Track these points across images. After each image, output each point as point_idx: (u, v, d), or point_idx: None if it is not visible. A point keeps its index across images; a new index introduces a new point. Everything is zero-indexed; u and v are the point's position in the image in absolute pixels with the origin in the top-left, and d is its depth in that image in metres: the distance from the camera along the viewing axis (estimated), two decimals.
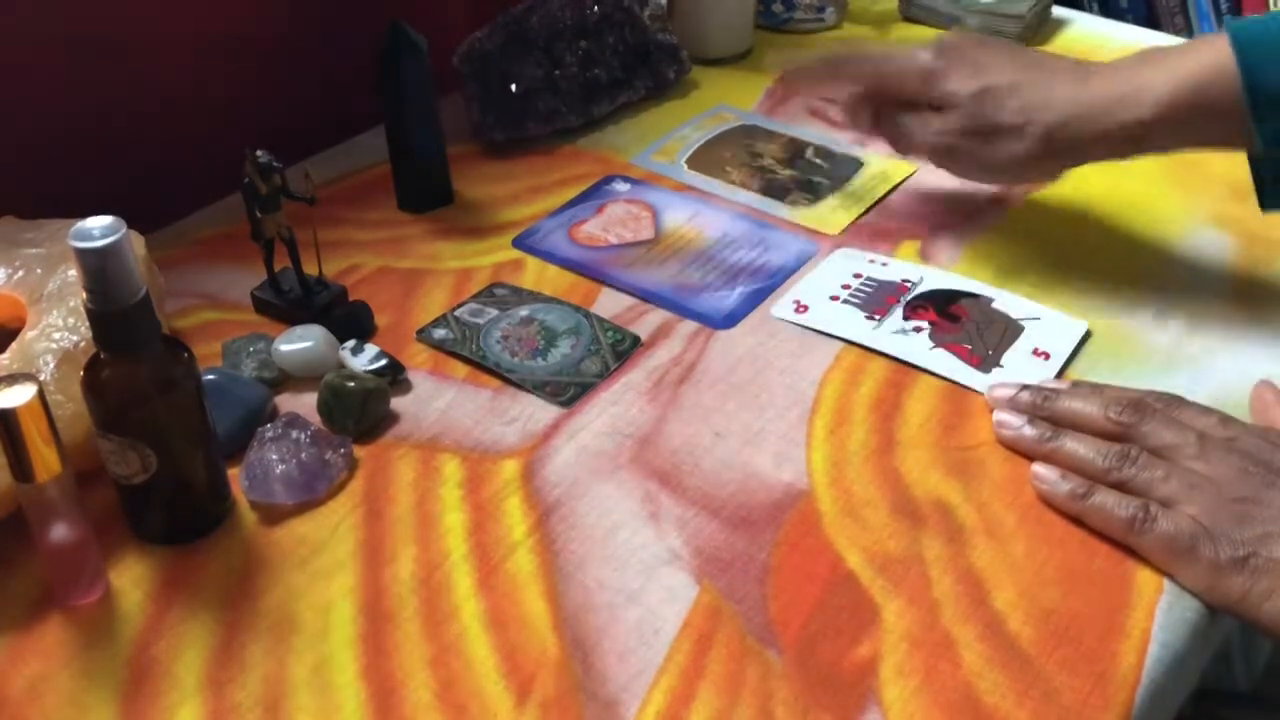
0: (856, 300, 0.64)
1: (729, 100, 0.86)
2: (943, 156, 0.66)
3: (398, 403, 0.58)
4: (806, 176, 0.77)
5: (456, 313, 0.64)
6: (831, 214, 0.73)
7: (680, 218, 0.73)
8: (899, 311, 0.63)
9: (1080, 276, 0.66)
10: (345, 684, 0.45)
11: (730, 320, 0.64)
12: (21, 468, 0.44)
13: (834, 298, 0.65)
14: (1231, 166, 0.75)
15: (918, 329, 0.62)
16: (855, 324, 0.62)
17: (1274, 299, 0.64)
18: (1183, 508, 0.48)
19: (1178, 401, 0.53)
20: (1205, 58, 0.57)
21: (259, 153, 0.58)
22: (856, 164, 0.78)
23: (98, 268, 0.43)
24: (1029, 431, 0.53)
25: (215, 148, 0.67)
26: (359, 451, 0.55)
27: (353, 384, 0.56)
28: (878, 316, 0.63)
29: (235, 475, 0.53)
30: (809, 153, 0.79)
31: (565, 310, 0.64)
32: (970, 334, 0.61)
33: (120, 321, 0.45)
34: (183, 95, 0.73)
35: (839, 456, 0.55)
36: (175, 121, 0.73)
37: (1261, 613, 0.46)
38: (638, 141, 0.81)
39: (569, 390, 0.59)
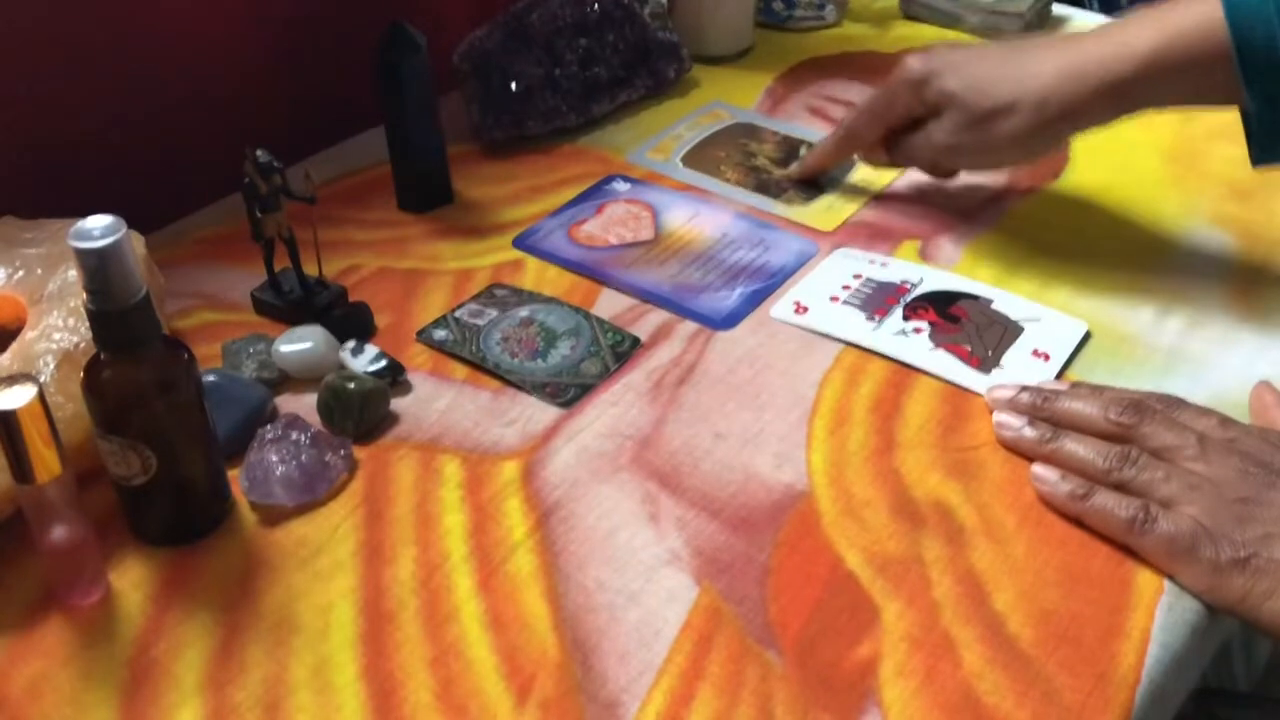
0: (856, 301, 0.64)
1: (729, 99, 0.86)
2: (951, 156, 0.67)
3: (398, 404, 0.58)
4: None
5: (456, 313, 0.64)
6: (826, 211, 0.73)
7: (680, 218, 0.73)
8: (899, 312, 0.63)
9: (1080, 277, 0.66)
10: (345, 684, 0.45)
11: (730, 321, 0.64)
12: (21, 469, 0.44)
13: (834, 298, 0.65)
14: (1231, 167, 0.75)
15: (917, 330, 0.62)
16: (855, 325, 0.62)
17: (1274, 299, 0.64)
18: (1183, 508, 0.48)
19: (1177, 402, 0.53)
20: (1192, 13, 0.58)
21: (259, 153, 0.58)
22: (850, 162, 0.78)
23: (98, 268, 0.43)
24: (1029, 432, 0.53)
25: (215, 148, 0.67)
26: (359, 452, 0.55)
27: (353, 385, 0.56)
28: (877, 317, 0.63)
29: (235, 476, 0.53)
30: (803, 151, 0.79)
31: (565, 311, 0.64)
32: (970, 335, 0.61)
33: (120, 322, 0.45)
34: (183, 95, 0.73)
35: (839, 457, 0.55)
36: (175, 121, 0.73)
37: (1262, 613, 0.46)
38: (638, 140, 0.81)
39: (569, 391, 0.59)
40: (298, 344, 0.59)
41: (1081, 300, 0.64)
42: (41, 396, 0.43)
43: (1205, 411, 0.52)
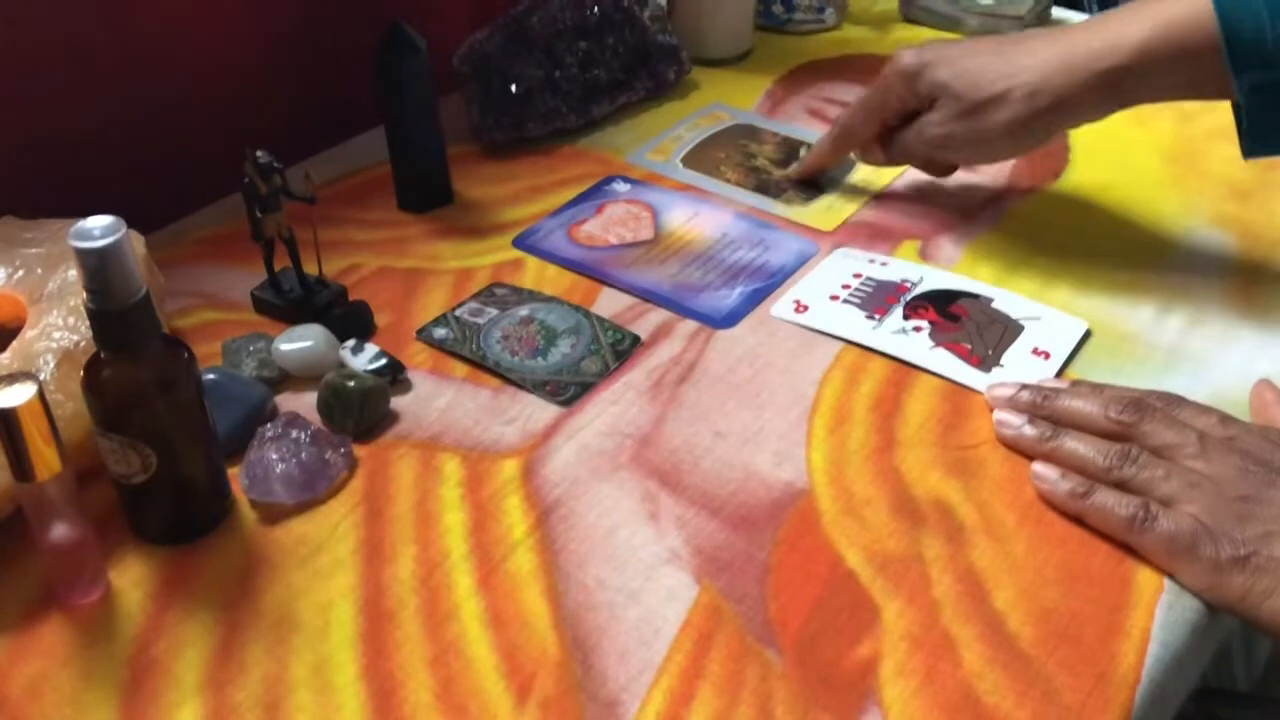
0: (856, 300, 0.64)
1: (728, 101, 0.86)
2: (943, 149, 0.67)
3: (398, 402, 0.58)
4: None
5: (456, 312, 0.64)
6: (826, 211, 0.73)
7: (680, 218, 0.73)
8: (899, 311, 0.63)
9: (1080, 276, 0.66)
10: (345, 684, 0.45)
11: (730, 320, 0.64)
12: (21, 467, 0.44)
13: (834, 297, 0.65)
14: (1231, 167, 0.76)
15: (918, 329, 0.62)
16: (855, 324, 0.62)
17: (1274, 297, 0.64)
18: (1183, 507, 0.48)
19: (1178, 401, 0.53)
20: (1182, 6, 0.58)
21: (259, 153, 0.58)
22: (850, 162, 0.78)
23: (98, 267, 0.43)
24: (1029, 431, 0.53)
25: (215, 148, 0.67)
26: (359, 451, 0.55)
27: (353, 383, 0.56)
28: (878, 316, 0.63)
29: (235, 475, 0.53)
30: (802, 152, 0.79)
31: (565, 310, 0.64)
32: (970, 333, 0.61)
33: (120, 321, 0.45)
34: (183, 95, 0.73)
35: (839, 456, 0.55)
36: (175, 121, 0.73)
37: (1262, 611, 0.46)
38: (637, 142, 0.81)
39: (569, 390, 0.59)
40: (298, 342, 0.59)
41: (1082, 299, 0.64)
42: (41, 395, 0.43)
43: (1205, 410, 0.52)
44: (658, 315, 0.64)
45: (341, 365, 0.59)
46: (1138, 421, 0.51)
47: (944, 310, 0.63)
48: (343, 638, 0.47)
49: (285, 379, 0.59)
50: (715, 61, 0.92)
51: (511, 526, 0.51)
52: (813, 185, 0.76)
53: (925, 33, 0.96)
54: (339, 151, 0.80)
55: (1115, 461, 0.50)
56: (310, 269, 0.64)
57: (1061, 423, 0.53)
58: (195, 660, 0.46)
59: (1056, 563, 0.49)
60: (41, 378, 0.50)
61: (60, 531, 0.46)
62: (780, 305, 0.65)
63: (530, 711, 0.44)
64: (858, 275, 0.66)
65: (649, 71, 0.85)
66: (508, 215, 0.73)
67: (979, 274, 0.67)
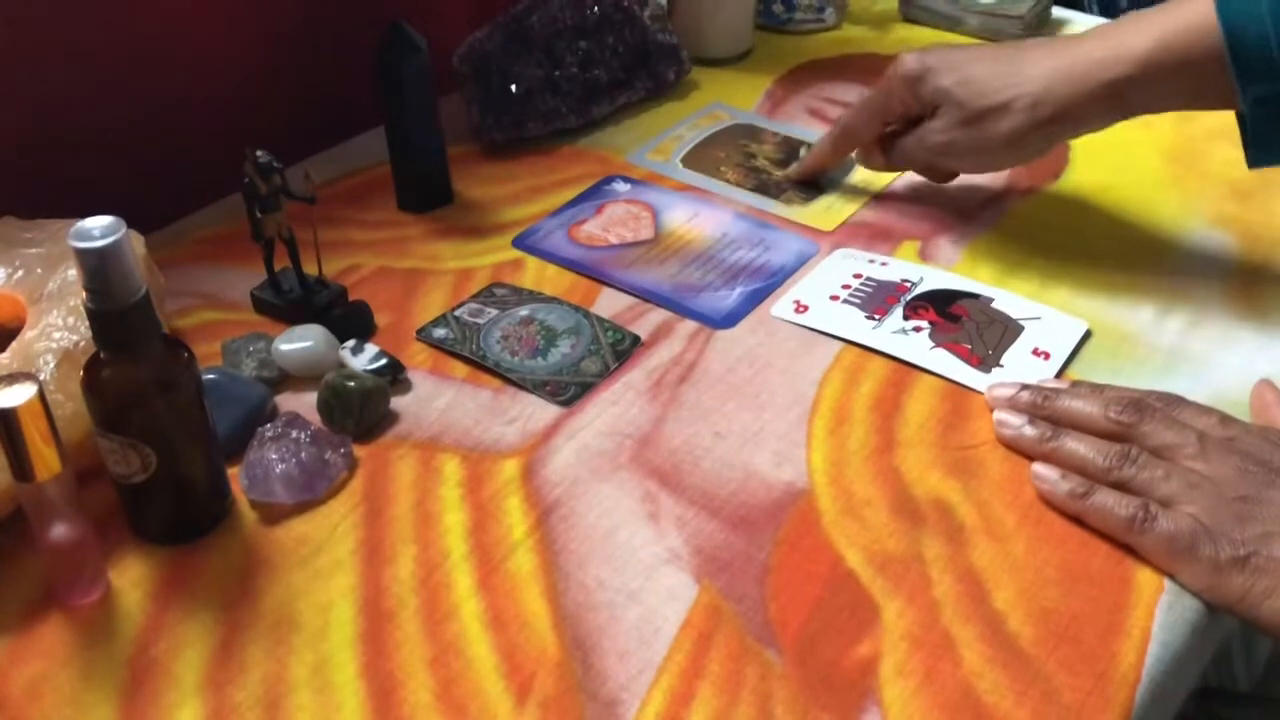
0: (856, 300, 0.64)
1: (728, 101, 0.86)
2: (944, 156, 0.67)
3: (398, 402, 0.58)
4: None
5: (456, 312, 0.64)
6: (826, 211, 0.73)
7: (680, 218, 0.73)
8: (899, 311, 0.63)
9: (1080, 276, 0.66)
10: (345, 683, 0.45)
11: (730, 320, 0.64)
12: (21, 467, 0.44)
13: (834, 297, 0.65)
14: (1231, 167, 0.76)
15: (918, 329, 0.62)
16: (855, 324, 0.62)
17: (1274, 299, 0.64)
18: (1183, 507, 0.48)
19: (1177, 401, 0.53)
20: (1185, 16, 0.58)
21: (259, 153, 0.58)
22: (850, 163, 0.78)
23: (98, 267, 0.43)
24: (1029, 431, 0.53)
25: (215, 148, 0.67)
26: (359, 451, 0.55)
27: (353, 383, 0.56)
28: (878, 316, 0.63)
29: (235, 475, 0.53)
30: (803, 151, 0.79)
31: (565, 310, 0.64)
32: (970, 334, 0.61)
33: (120, 321, 0.45)
34: (183, 95, 0.73)
35: (839, 456, 0.55)
36: (175, 121, 0.73)
37: (1262, 611, 0.46)
38: (637, 142, 0.81)
39: (569, 390, 0.59)
40: (298, 343, 0.59)
41: (1082, 299, 0.64)
42: (41, 395, 0.43)
43: (1205, 410, 0.52)
44: (658, 315, 0.64)
45: (341, 365, 0.59)
46: (1137, 422, 0.51)
47: (944, 310, 0.63)
48: (342, 638, 0.47)
49: (285, 379, 0.59)
50: (715, 61, 0.92)
51: (511, 527, 0.51)
52: (813, 185, 0.76)
53: (925, 32, 0.96)
54: (339, 151, 0.80)
55: (1115, 462, 0.50)
56: (310, 269, 0.64)
57: (1061, 423, 0.53)
58: (195, 660, 0.46)
59: (1056, 563, 0.49)
60: (41, 378, 0.50)
61: (60, 531, 0.46)
62: (780, 305, 0.65)
63: (530, 711, 0.44)
64: (858, 275, 0.66)
65: (649, 71, 0.85)
66: (508, 215, 0.73)
67: (979, 274, 0.67)
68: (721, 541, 0.51)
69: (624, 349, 0.62)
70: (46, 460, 0.44)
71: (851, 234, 0.71)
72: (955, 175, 0.73)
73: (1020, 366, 0.59)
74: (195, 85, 0.73)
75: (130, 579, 0.49)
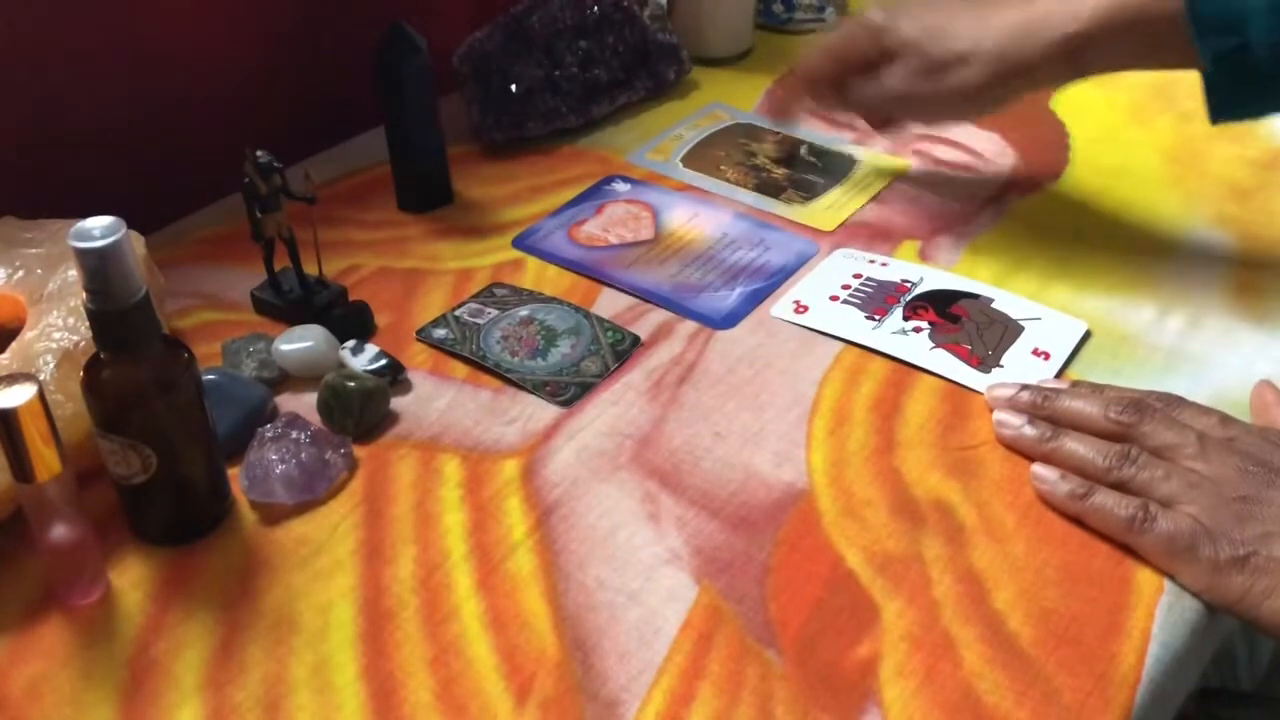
0: (856, 300, 0.64)
1: (729, 101, 0.86)
2: (901, 104, 0.68)
3: (398, 403, 0.58)
4: (800, 175, 0.77)
5: (456, 313, 0.64)
6: (826, 211, 0.73)
7: (680, 218, 0.73)
8: (899, 312, 0.63)
9: (1080, 276, 0.66)
10: (345, 684, 0.45)
11: (730, 320, 0.64)
12: (21, 468, 0.44)
13: (834, 298, 0.65)
14: (1231, 167, 0.76)
15: (917, 329, 0.62)
16: (855, 324, 0.62)
17: (1274, 298, 0.64)
18: (1183, 507, 0.48)
19: (1177, 401, 0.53)
20: None
21: (259, 153, 0.58)
22: (850, 161, 0.78)
23: (98, 268, 0.43)
24: (1029, 431, 0.53)
25: (215, 148, 0.67)
26: (359, 451, 0.55)
27: (353, 384, 0.56)
28: (877, 317, 0.63)
29: (235, 475, 0.53)
30: (803, 151, 0.79)
31: (565, 310, 0.64)
32: (970, 334, 0.61)
33: (120, 321, 0.45)
34: (183, 95, 0.73)
35: (839, 456, 0.55)
36: (175, 121, 0.73)
37: (1261, 612, 0.46)
38: (638, 141, 0.81)
39: (569, 390, 0.59)
40: (298, 343, 0.59)
41: (1082, 299, 0.64)
42: (41, 395, 0.43)
43: (1205, 410, 0.52)
44: (658, 316, 0.64)
45: (341, 366, 0.59)
46: (1137, 422, 0.51)
47: (944, 311, 0.63)
48: (342, 638, 0.47)
49: (285, 379, 0.59)
50: (715, 61, 0.92)
51: (511, 527, 0.51)
52: (811, 186, 0.76)
53: None
54: (339, 151, 0.80)
55: (1115, 462, 0.50)
56: (310, 269, 0.64)
57: (1061, 423, 0.53)
58: (195, 661, 0.46)
59: (1056, 563, 0.49)
60: (41, 378, 0.50)
61: (60, 532, 0.46)
62: (780, 306, 0.65)
63: (530, 712, 0.44)
64: (857, 276, 0.66)
65: (649, 71, 0.85)
66: (508, 215, 0.73)
67: (979, 274, 0.67)
68: (722, 542, 0.51)
69: (624, 349, 0.62)
70: (46, 461, 0.44)
71: (851, 234, 0.71)
72: (903, 126, 0.73)
73: (1020, 367, 0.59)
74: (195, 85, 0.73)
75: (130, 579, 0.49)
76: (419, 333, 0.63)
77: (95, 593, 0.48)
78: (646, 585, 0.49)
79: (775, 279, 0.67)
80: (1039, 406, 0.54)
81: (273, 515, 0.52)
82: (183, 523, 0.51)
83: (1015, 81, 0.63)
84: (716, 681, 0.45)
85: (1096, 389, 0.54)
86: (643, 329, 0.63)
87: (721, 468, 0.54)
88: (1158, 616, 0.47)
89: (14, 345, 0.53)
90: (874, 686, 0.44)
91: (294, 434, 0.53)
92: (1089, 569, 0.49)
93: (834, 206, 0.74)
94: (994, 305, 0.63)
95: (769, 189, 0.76)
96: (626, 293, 0.66)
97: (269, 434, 0.53)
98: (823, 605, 0.48)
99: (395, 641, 0.46)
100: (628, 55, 0.84)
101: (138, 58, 0.70)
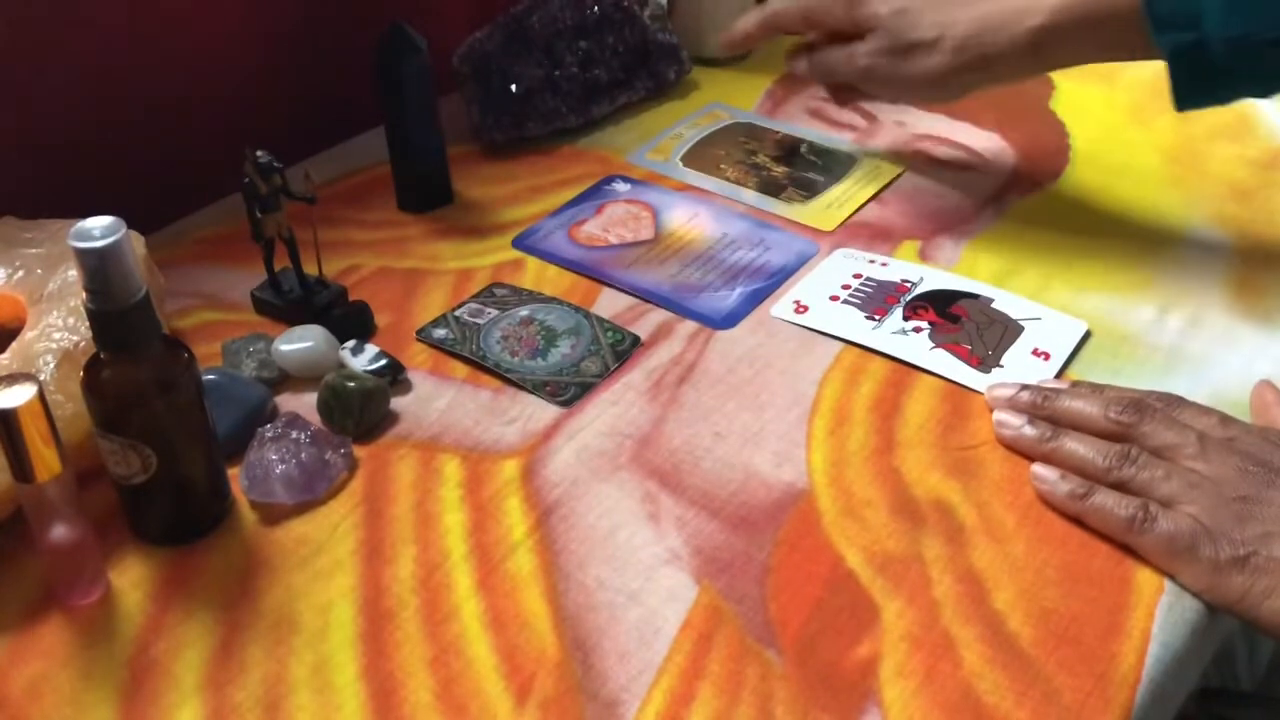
0: (856, 300, 0.64)
1: (729, 101, 0.86)
2: (866, 79, 0.69)
3: (398, 403, 0.58)
4: (800, 174, 0.77)
5: (456, 313, 0.64)
6: (826, 210, 0.73)
7: (680, 218, 0.73)
8: (899, 312, 0.63)
9: (1080, 276, 0.66)
10: (345, 684, 0.45)
11: (730, 320, 0.64)
12: (21, 468, 0.44)
13: (834, 298, 0.65)
14: (1231, 167, 0.76)
15: (917, 329, 0.62)
16: (855, 324, 0.62)
17: (1274, 298, 0.64)
18: (1183, 507, 0.48)
19: (1178, 401, 0.53)
20: None
21: (259, 153, 0.58)
22: (850, 161, 0.78)
23: (98, 268, 0.43)
24: (1029, 431, 0.53)
25: (215, 148, 0.67)
26: (359, 451, 0.55)
27: (353, 384, 0.56)
28: (877, 317, 0.63)
29: (235, 475, 0.53)
30: (803, 149, 0.79)
31: (565, 310, 0.64)
32: (970, 334, 0.61)
33: (120, 322, 0.45)
34: (183, 95, 0.73)
35: (839, 456, 0.55)
36: (175, 121, 0.73)
37: (1262, 612, 0.46)
38: (638, 141, 0.81)
39: (569, 390, 0.59)
40: (298, 343, 0.59)
41: (1081, 299, 0.64)
42: (41, 395, 0.43)
43: (1205, 410, 0.52)
44: (658, 316, 0.64)
45: (341, 366, 0.59)
46: (1137, 422, 0.51)
47: (944, 311, 0.63)
48: (343, 638, 0.47)
49: (285, 379, 0.59)
50: (715, 61, 0.91)
51: (511, 527, 0.51)
52: (811, 185, 0.76)
53: None
54: (339, 151, 0.80)
55: (1115, 462, 0.50)
56: (310, 269, 0.64)
57: (1061, 423, 0.53)
58: (195, 661, 0.46)
59: (1056, 563, 0.49)
60: (41, 378, 0.50)
61: (60, 532, 0.46)
62: (780, 306, 0.65)
63: (530, 712, 0.44)
64: (857, 276, 0.66)
65: (649, 71, 0.85)
66: (508, 215, 0.73)
67: (979, 274, 0.66)
68: (721, 542, 0.51)
69: (624, 349, 0.62)
70: (46, 461, 0.44)
71: (852, 234, 0.71)
72: (859, 101, 0.75)
73: (1020, 367, 0.59)
74: (195, 85, 0.73)
75: (130, 579, 0.49)
76: (419, 333, 0.63)
77: (95, 593, 0.48)
78: (646, 585, 0.49)
79: (775, 279, 0.67)
80: (1039, 406, 0.54)
81: (273, 515, 0.52)
82: (183, 523, 0.51)
83: (980, 72, 0.65)
84: (716, 681, 0.45)
85: (1096, 389, 0.54)
86: (643, 329, 0.63)
87: (721, 468, 0.54)
88: (1158, 616, 0.47)
89: (14, 345, 0.53)
90: (874, 686, 0.44)
91: (294, 434, 0.53)
92: (1089, 569, 0.49)
93: (834, 205, 0.74)
94: (994, 305, 0.63)
95: (769, 188, 0.76)
96: (626, 293, 0.66)
97: (269, 434, 0.53)
98: (823, 605, 0.48)
99: (395, 641, 0.46)
100: (628, 55, 0.84)
101: (138, 58, 0.70)
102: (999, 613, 0.47)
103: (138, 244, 0.58)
